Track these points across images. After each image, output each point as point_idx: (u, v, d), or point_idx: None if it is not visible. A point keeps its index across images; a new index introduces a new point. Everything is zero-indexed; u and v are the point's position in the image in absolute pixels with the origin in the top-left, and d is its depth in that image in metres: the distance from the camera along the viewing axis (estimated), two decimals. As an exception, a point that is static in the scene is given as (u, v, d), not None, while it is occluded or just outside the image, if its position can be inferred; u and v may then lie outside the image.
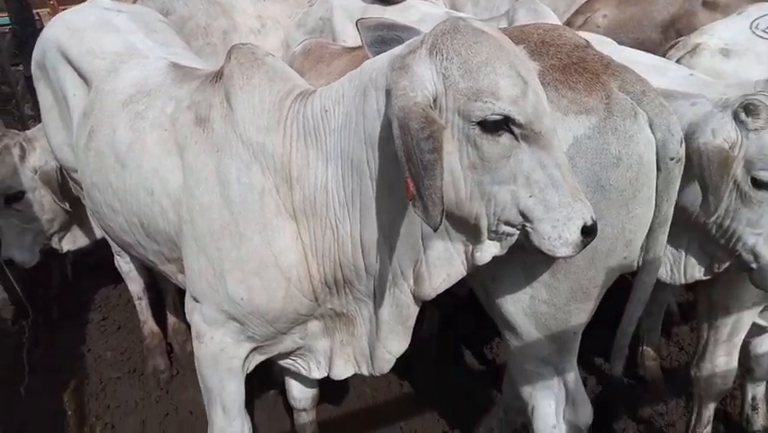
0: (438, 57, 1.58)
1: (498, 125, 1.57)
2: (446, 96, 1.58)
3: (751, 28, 2.71)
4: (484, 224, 1.71)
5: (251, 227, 1.92)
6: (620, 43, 2.85)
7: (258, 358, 2.23)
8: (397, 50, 1.71)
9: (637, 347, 3.24)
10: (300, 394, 2.76)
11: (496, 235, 1.75)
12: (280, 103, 1.93)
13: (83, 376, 3.50)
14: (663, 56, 2.91)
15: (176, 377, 3.49)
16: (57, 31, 2.70)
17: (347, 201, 1.83)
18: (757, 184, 1.94)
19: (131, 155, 2.19)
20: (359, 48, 2.67)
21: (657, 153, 1.83)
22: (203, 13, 3.77)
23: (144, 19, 2.80)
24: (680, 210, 1.99)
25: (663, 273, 2.22)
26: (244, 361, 2.17)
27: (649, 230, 1.93)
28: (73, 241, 3.64)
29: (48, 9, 8.69)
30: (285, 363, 2.33)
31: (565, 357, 2.11)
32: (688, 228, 2.11)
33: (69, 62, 2.62)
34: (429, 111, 1.53)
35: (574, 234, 1.62)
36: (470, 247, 1.80)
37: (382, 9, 3.14)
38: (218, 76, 2.07)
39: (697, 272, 2.20)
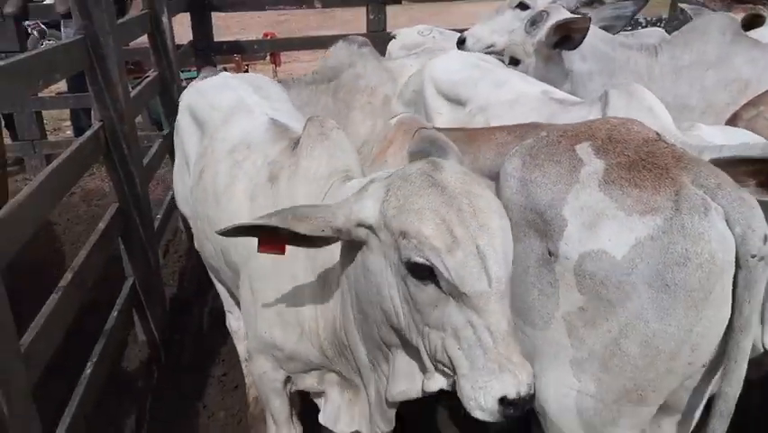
0: (384, 197, 1.74)
1: (424, 274, 1.65)
2: (383, 230, 1.73)
3: None
4: (424, 356, 1.77)
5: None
6: None
7: (293, 386, 2.54)
8: (383, 174, 1.91)
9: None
10: None
11: (437, 370, 1.80)
12: (327, 178, 2.19)
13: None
14: None
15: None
16: (190, 96, 3.32)
17: (348, 285, 2.01)
18: None
19: (224, 196, 2.59)
20: (447, 129, 2.72)
21: (737, 250, 1.72)
22: (375, 75, 4.11)
23: (256, 82, 3.29)
24: None
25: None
26: (284, 384, 2.50)
27: (730, 335, 1.79)
28: None
29: (233, 64, 9.43)
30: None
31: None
32: None
33: (194, 118, 3.15)
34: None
35: (489, 403, 1.62)
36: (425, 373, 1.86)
37: (473, 82, 3.24)
38: (297, 142, 2.37)
39: None
